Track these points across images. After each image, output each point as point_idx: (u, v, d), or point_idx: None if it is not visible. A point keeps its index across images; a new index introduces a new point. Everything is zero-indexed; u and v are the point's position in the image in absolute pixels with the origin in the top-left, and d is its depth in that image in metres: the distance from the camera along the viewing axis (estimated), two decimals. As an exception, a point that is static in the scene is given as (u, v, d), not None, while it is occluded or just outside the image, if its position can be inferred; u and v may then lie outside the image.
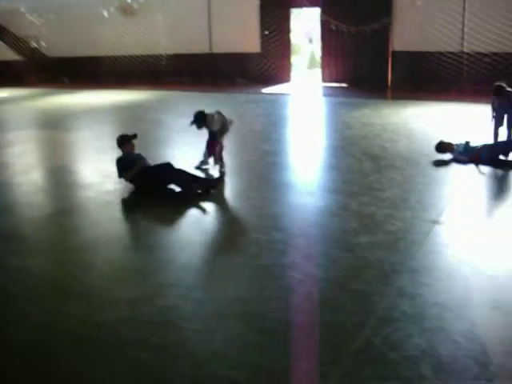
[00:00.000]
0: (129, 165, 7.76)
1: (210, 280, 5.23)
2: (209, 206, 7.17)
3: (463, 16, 17.60)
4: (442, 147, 9.34)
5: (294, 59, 31.66)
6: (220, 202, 7.42)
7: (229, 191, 7.92)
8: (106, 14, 23.94)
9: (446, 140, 9.48)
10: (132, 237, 6.62)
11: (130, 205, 7.61)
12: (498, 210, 6.92)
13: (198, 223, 6.68)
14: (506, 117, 9.69)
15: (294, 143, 11.43)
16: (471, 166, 8.80)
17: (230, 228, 6.63)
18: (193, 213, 7.04)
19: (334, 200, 7.26)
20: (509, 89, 9.64)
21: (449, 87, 17.33)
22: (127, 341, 4.13)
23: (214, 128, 8.43)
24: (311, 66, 29.30)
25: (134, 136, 8.06)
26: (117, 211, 7.35)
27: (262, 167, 9.23)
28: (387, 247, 5.71)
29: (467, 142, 9.26)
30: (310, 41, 31.39)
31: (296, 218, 6.74)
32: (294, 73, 23.90)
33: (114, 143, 8.19)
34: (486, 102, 15.17)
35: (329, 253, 5.65)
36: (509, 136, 9.68)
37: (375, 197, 7.30)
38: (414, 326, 4.22)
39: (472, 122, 12.64)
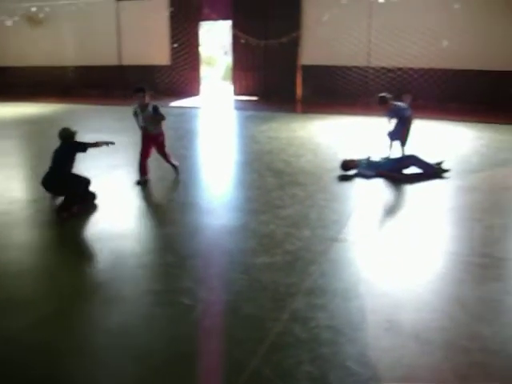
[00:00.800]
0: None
1: (93, 308, 4.92)
2: (97, 226, 6.83)
3: (369, 32, 17.97)
4: (346, 165, 9.38)
5: (209, 71, 31.71)
6: (112, 221, 7.09)
7: (122, 212, 7.54)
8: (10, 23, 22.99)
9: (349, 157, 9.53)
10: None
11: None
12: (396, 227, 6.93)
13: (79, 245, 6.36)
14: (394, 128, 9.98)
15: (198, 159, 11.15)
16: (374, 181, 8.87)
17: (119, 250, 6.16)
18: (77, 232, 6.70)
19: (234, 218, 7.09)
20: (395, 101, 9.95)
21: (355, 101, 17.65)
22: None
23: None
24: (226, 77, 29.25)
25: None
26: None
27: (163, 185, 8.95)
28: (284, 268, 5.58)
29: (368, 158, 9.37)
30: (226, 53, 31.39)
31: (192, 238, 6.51)
32: (208, 85, 23.73)
33: (14, 159, 7.74)
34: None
35: (224, 275, 5.46)
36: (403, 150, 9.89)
37: (276, 214, 7.19)
38: (306, 353, 4.09)
39: (377, 135, 12.83)
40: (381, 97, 9.95)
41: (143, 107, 8.70)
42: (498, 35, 16.66)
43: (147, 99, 8.71)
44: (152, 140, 8.83)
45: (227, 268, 5.61)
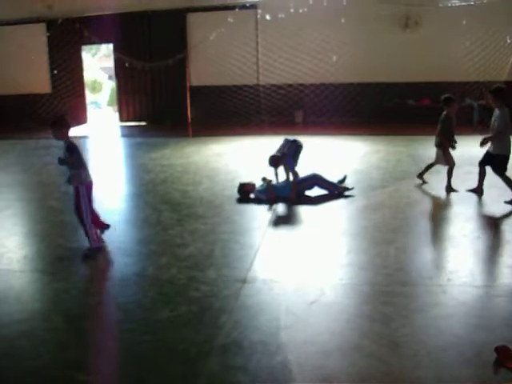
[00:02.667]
0: None
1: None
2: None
3: (257, 50, 17.67)
4: (243, 190, 8.84)
5: (94, 97, 30.42)
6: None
7: None
8: None
9: (246, 181, 9.01)
10: None
11: None
12: (306, 258, 6.39)
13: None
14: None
15: None
16: (277, 206, 8.36)
17: None
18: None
19: (128, 265, 6.29)
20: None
21: (248, 120, 17.21)
22: None
23: None
24: (112, 103, 28.14)
25: None
26: None
27: (43, 229, 7.90)
28: (191, 322, 4.88)
29: (263, 179, 8.90)
30: (110, 77, 30.27)
31: (81, 293, 5.65)
32: (94, 112, 22.57)
33: None
34: (285, 134, 15.43)
35: (122, 338, 4.67)
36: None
37: (176, 255, 6.46)
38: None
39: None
40: (272, 158, 9.22)
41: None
42: (386, 49, 16.85)
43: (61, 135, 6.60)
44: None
45: (125, 329, 4.82)
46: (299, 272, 5.91)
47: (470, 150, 12.41)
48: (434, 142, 9.40)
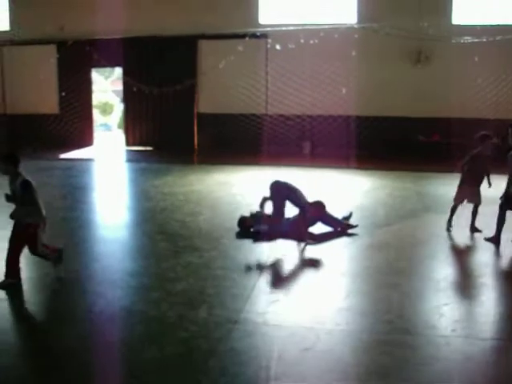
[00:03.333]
0: None
1: None
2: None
3: (266, 80, 17.53)
4: (244, 224, 8.56)
5: (105, 119, 30.37)
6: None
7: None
8: None
9: (247, 214, 8.73)
10: None
11: None
12: (304, 300, 6.09)
13: None
14: None
15: (79, 224, 9.37)
16: (277, 243, 8.06)
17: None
18: None
19: (117, 298, 6.00)
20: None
21: (255, 150, 16.92)
22: None
23: None
24: (122, 126, 28.00)
25: None
26: None
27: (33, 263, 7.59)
28: (177, 364, 4.61)
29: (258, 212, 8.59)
30: (121, 100, 30.16)
31: (65, 328, 5.36)
32: (103, 134, 22.38)
33: None
34: (292, 165, 15.23)
35: (105, 379, 4.38)
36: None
37: (168, 291, 6.18)
38: None
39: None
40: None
41: (12, 180, 6.23)
42: (396, 83, 16.69)
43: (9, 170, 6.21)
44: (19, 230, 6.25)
45: (107, 370, 4.53)
46: (294, 315, 5.60)
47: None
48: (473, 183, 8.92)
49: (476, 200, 8.89)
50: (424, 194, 12.10)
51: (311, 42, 16.14)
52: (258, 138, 17.30)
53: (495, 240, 8.16)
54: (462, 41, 15.60)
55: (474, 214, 8.89)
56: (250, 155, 16.22)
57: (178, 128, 18.62)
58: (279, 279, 6.69)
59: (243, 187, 12.36)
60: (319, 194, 11.09)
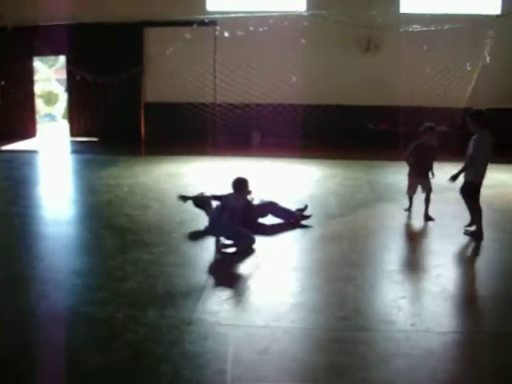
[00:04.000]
0: None
1: None
2: None
3: (214, 68, 17.18)
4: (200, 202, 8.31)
5: (50, 109, 29.34)
6: None
7: None
8: None
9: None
10: None
11: None
12: (257, 297, 5.88)
13: None
14: None
15: (21, 220, 8.69)
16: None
17: None
18: None
19: (61, 300, 5.65)
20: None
21: (204, 140, 16.59)
22: None
23: None
24: (66, 116, 27.19)
25: None
26: None
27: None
28: (126, 371, 4.32)
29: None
30: (66, 89, 29.24)
31: (4, 332, 5.00)
32: (48, 125, 21.59)
33: None
34: (241, 155, 14.99)
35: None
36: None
37: (115, 290, 5.86)
38: None
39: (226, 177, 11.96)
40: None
41: None
42: (346, 71, 16.62)
43: None
44: None
45: (48, 377, 4.21)
46: (248, 313, 5.38)
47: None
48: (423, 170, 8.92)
49: (427, 187, 8.89)
50: (375, 182, 12.05)
51: (260, 29, 15.84)
52: (206, 128, 16.95)
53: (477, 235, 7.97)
54: (410, 29, 15.59)
55: (427, 201, 8.88)
56: (198, 145, 15.90)
57: (124, 118, 18.10)
58: (231, 275, 6.43)
59: (193, 178, 12.05)
60: (269, 184, 10.97)
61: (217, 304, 5.53)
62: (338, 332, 5.03)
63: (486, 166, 7.79)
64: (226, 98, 17.10)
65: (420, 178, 8.94)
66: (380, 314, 5.41)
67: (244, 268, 6.71)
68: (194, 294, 5.75)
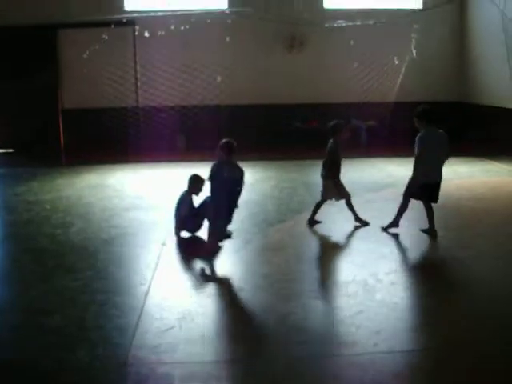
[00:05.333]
0: None
1: None
2: None
3: (135, 70, 16.35)
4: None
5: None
6: None
7: None
8: None
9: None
10: None
11: None
12: (193, 327, 5.27)
13: None
14: None
15: None
16: (164, 251, 7.17)
17: None
18: None
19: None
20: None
21: (128, 147, 15.67)
22: None
23: None
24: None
25: None
26: None
27: None
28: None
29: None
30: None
31: None
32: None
33: None
34: (166, 161, 14.26)
35: None
36: None
37: (38, 327, 5.10)
38: None
39: (158, 186, 11.31)
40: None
41: None
42: (272, 69, 16.18)
43: None
44: None
45: None
46: (193, 346, 4.73)
47: (363, 174, 11.95)
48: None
49: (344, 195, 8.34)
50: (311, 183, 11.59)
51: (182, 28, 15.17)
52: (130, 134, 16.07)
53: (395, 224, 7.86)
54: (335, 25, 15.29)
55: (351, 207, 8.35)
56: (122, 152, 15.01)
57: (41, 127, 16.96)
58: (170, 301, 5.76)
59: (118, 189, 11.26)
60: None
61: (156, 335, 4.88)
62: (298, 361, 4.49)
63: (435, 163, 7.48)
64: (149, 102, 16.31)
65: (337, 185, 8.25)
66: (339, 335, 4.92)
67: (184, 291, 6.04)
68: (129, 326, 5.07)
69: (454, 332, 4.99)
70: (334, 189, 8.25)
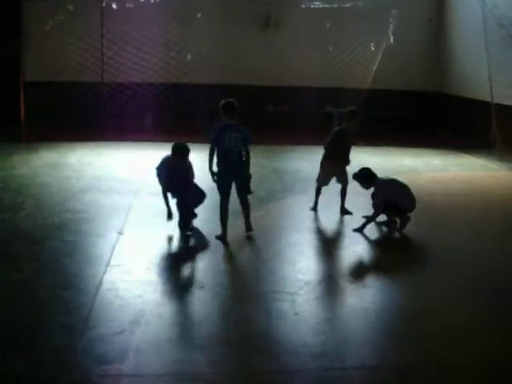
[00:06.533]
0: None
1: None
2: None
3: (102, 43, 15.57)
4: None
5: None
6: None
7: None
8: None
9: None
10: None
11: None
12: (155, 329, 4.76)
13: None
14: None
15: None
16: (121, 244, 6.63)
17: None
18: None
19: None
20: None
21: (92, 124, 14.91)
22: None
23: None
24: None
25: None
26: None
27: None
28: None
29: None
30: None
31: None
32: None
33: None
34: (132, 140, 13.61)
35: None
36: None
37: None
38: None
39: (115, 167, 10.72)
40: None
41: None
42: (245, 49, 15.57)
43: None
44: None
45: None
46: (139, 357, 4.19)
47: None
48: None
49: (344, 180, 8.06)
50: (281, 170, 11.22)
51: (152, 1, 14.46)
52: (94, 110, 15.33)
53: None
54: (312, 6, 14.74)
55: (343, 194, 8.06)
56: (85, 130, 14.28)
57: (0, 100, 16.12)
58: (123, 296, 5.22)
59: (77, 169, 10.63)
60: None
61: (104, 342, 4.36)
62: (262, 375, 4.03)
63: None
64: (115, 77, 15.54)
65: (337, 167, 8.06)
66: (307, 346, 4.44)
67: (140, 287, 5.46)
68: (75, 327, 4.54)
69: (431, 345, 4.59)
70: (329, 174, 8.07)
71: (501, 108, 13.03)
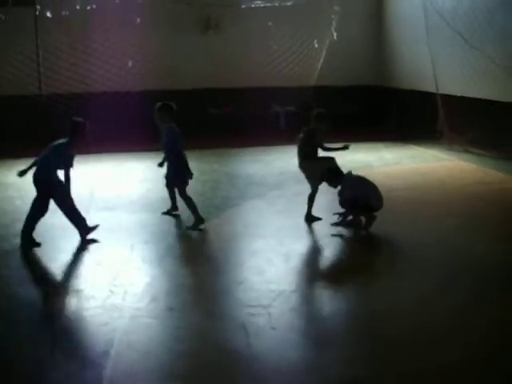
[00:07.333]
0: None
1: None
2: None
3: (37, 54, 14.91)
4: None
5: None
6: None
7: None
8: None
9: None
10: None
11: None
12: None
13: None
14: None
15: None
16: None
17: None
18: None
19: None
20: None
21: (32, 138, 14.15)
22: None
23: None
24: None
25: None
26: None
27: None
28: None
29: None
30: None
31: None
32: None
33: None
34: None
35: None
36: None
37: None
38: None
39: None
40: None
41: None
42: (186, 52, 15.22)
43: None
44: None
45: None
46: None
47: (289, 164, 11.27)
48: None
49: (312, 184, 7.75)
50: (233, 175, 10.98)
51: (88, 7, 13.95)
52: (33, 124, 14.63)
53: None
54: (252, 5, 14.53)
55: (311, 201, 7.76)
56: (26, 145, 13.56)
57: None
58: (88, 327, 4.85)
59: (20, 187, 10.03)
60: (108, 186, 9.55)
61: (75, 379, 4.01)
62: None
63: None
64: (54, 89, 14.92)
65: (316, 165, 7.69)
66: (290, 363, 4.18)
67: (107, 315, 5.06)
68: (41, 366, 4.17)
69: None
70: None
71: (446, 98, 13.10)
